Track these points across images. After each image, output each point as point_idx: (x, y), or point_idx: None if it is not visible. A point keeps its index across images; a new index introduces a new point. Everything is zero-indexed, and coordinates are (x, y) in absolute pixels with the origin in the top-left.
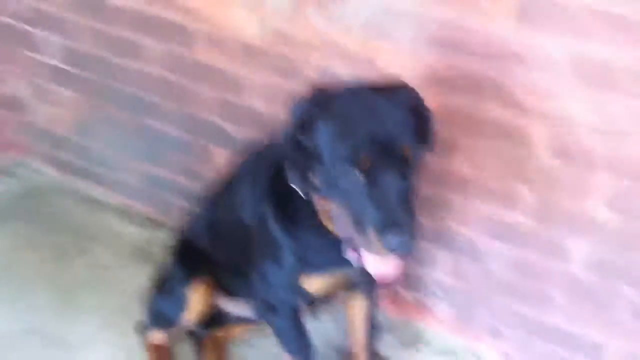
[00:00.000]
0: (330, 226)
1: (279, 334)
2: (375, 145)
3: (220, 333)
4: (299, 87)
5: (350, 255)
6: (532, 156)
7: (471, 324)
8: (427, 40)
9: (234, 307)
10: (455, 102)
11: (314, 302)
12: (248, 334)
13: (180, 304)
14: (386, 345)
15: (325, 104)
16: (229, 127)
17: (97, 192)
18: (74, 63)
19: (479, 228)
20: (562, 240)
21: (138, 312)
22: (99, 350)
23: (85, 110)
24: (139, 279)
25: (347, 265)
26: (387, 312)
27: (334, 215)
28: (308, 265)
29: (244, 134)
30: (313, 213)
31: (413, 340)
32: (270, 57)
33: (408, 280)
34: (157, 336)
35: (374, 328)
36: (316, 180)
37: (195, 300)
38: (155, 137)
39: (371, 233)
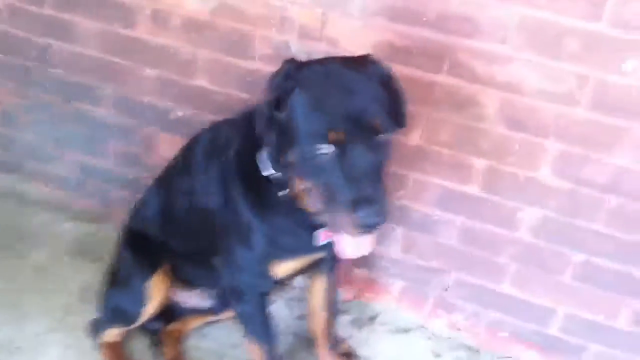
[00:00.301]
0: (305, 206)
1: (244, 319)
2: (348, 120)
3: (175, 326)
4: (248, 63)
5: (321, 238)
6: (484, 125)
7: (423, 299)
8: (379, 10)
9: (191, 298)
10: (410, 72)
11: (276, 284)
12: (203, 324)
13: (140, 298)
14: (340, 325)
15: (299, 77)
16: (172, 108)
17: (29, 187)
18: None
19: (431, 201)
20: (511, 208)
21: (86, 311)
22: (48, 352)
23: (9, 98)
24: (82, 277)
25: (318, 250)
26: (341, 292)
27: (309, 194)
28: (279, 249)
29: (189, 115)
30: (283, 194)
31: (367, 320)
32: (218, 32)
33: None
34: (112, 334)
35: (334, 310)
36: (291, 158)
37: (156, 294)
38: (91, 124)
39: (343, 211)
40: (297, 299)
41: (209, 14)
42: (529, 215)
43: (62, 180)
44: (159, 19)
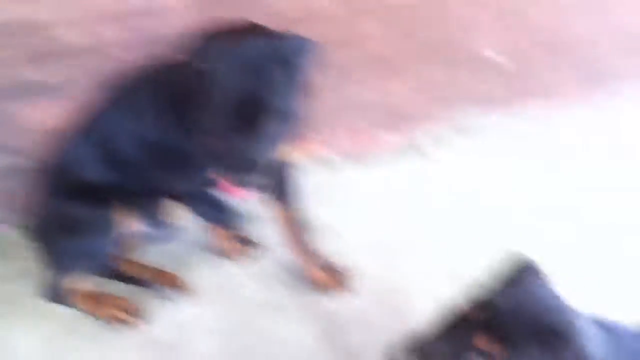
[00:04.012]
0: None
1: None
2: None
3: (125, 254)
4: None
5: None
6: None
7: None
8: None
9: (132, 226)
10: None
11: None
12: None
13: (105, 234)
14: None
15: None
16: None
17: None
18: None
19: None
20: None
21: None
22: None
23: None
24: None
25: None
26: None
27: None
28: None
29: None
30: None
31: None
32: None
33: None
34: (85, 284)
35: None
36: None
37: (118, 226)
38: None
39: None
40: None
41: None
42: None
43: None
44: None
